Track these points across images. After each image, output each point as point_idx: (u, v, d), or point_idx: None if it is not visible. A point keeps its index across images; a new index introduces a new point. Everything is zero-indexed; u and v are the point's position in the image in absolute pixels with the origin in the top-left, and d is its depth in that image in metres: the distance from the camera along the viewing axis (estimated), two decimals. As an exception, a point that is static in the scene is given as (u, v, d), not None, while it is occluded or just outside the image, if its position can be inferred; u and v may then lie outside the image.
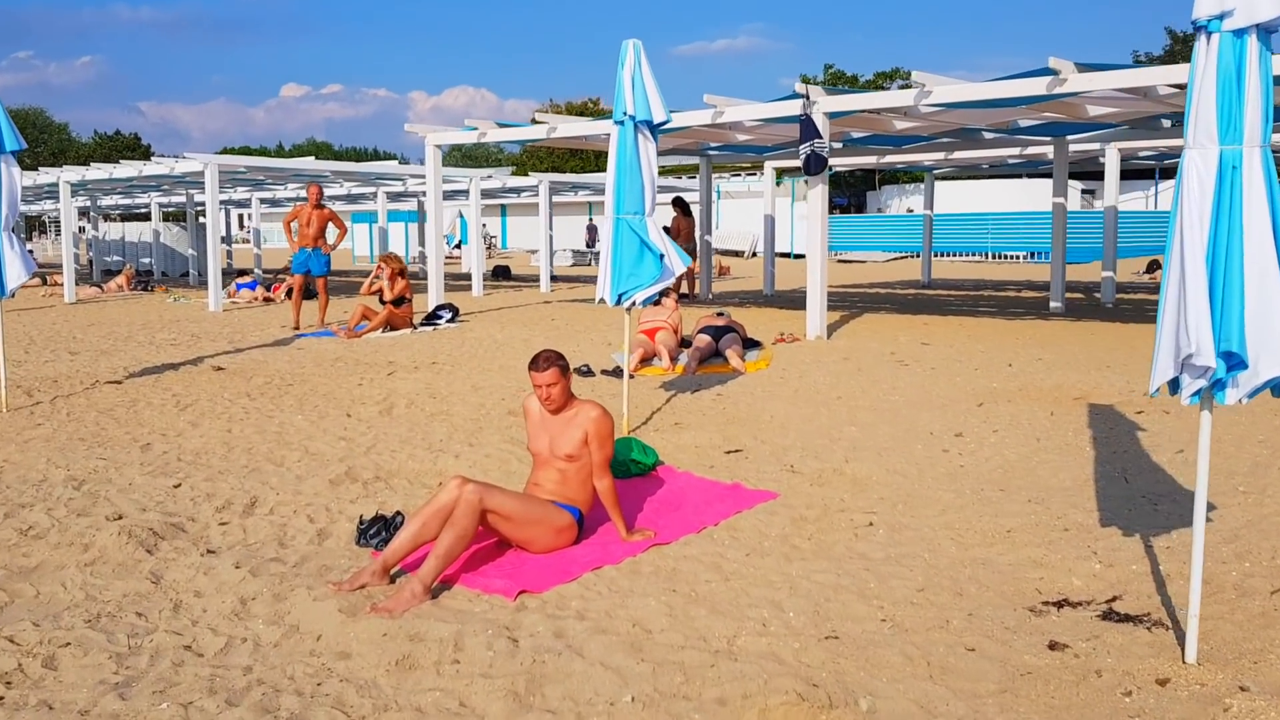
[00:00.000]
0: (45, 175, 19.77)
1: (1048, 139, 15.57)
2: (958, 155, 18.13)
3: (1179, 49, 47.96)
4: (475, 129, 13.05)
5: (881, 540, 4.59)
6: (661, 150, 17.27)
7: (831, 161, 20.48)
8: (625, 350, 6.71)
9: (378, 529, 4.86)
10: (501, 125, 13.20)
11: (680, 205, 17.09)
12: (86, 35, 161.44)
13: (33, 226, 60.80)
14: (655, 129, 6.63)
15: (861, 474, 5.62)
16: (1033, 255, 37.03)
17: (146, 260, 34.38)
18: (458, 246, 50.26)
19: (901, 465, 5.74)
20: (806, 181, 10.63)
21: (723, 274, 30.93)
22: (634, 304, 6.65)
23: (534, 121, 12.72)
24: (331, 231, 13.03)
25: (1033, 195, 42.48)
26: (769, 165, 19.54)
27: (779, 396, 7.81)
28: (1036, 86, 9.51)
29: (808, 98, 10.36)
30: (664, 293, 8.46)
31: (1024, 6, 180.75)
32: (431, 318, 12.93)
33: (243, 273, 20.16)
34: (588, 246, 46.38)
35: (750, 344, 9.72)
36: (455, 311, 12.94)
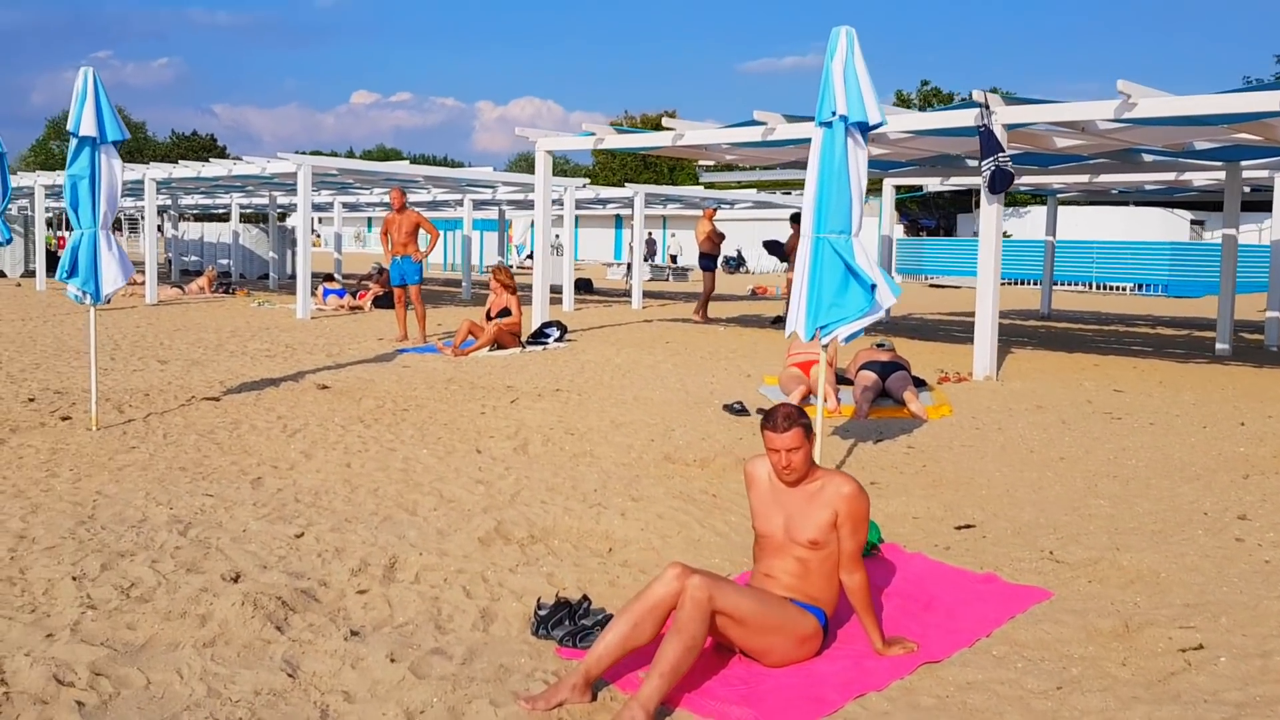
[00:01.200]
0: (131, 172, 19.37)
1: (1218, 164, 14.23)
2: (1106, 179, 16.83)
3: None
4: (591, 134, 12.16)
5: (1228, 672, 3.52)
6: (775, 163, 16.28)
7: (952, 180, 19.53)
8: (820, 391, 5.70)
9: (560, 618, 3.93)
10: (622, 131, 12.28)
11: (779, 248, 16.12)
12: (164, 37, 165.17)
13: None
14: (867, 132, 5.63)
15: (1144, 567, 4.55)
16: (1140, 288, 35.32)
17: (224, 261, 34.22)
18: (529, 256, 49.86)
19: (1191, 558, 4.65)
20: (986, 200, 9.54)
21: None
22: (834, 339, 5.65)
23: (659, 127, 11.78)
24: (423, 238, 12.23)
25: (1134, 224, 40.75)
26: (888, 183, 18.44)
27: (984, 453, 6.74)
28: (1267, 102, 8.34)
29: (986, 107, 9.29)
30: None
31: (1096, 31, 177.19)
32: (538, 336, 12.06)
33: (329, 278, 19.56)
34: (645, 260, 45.55)
35: (917, 383, 8.65)
36: (563, 330, 12.04)
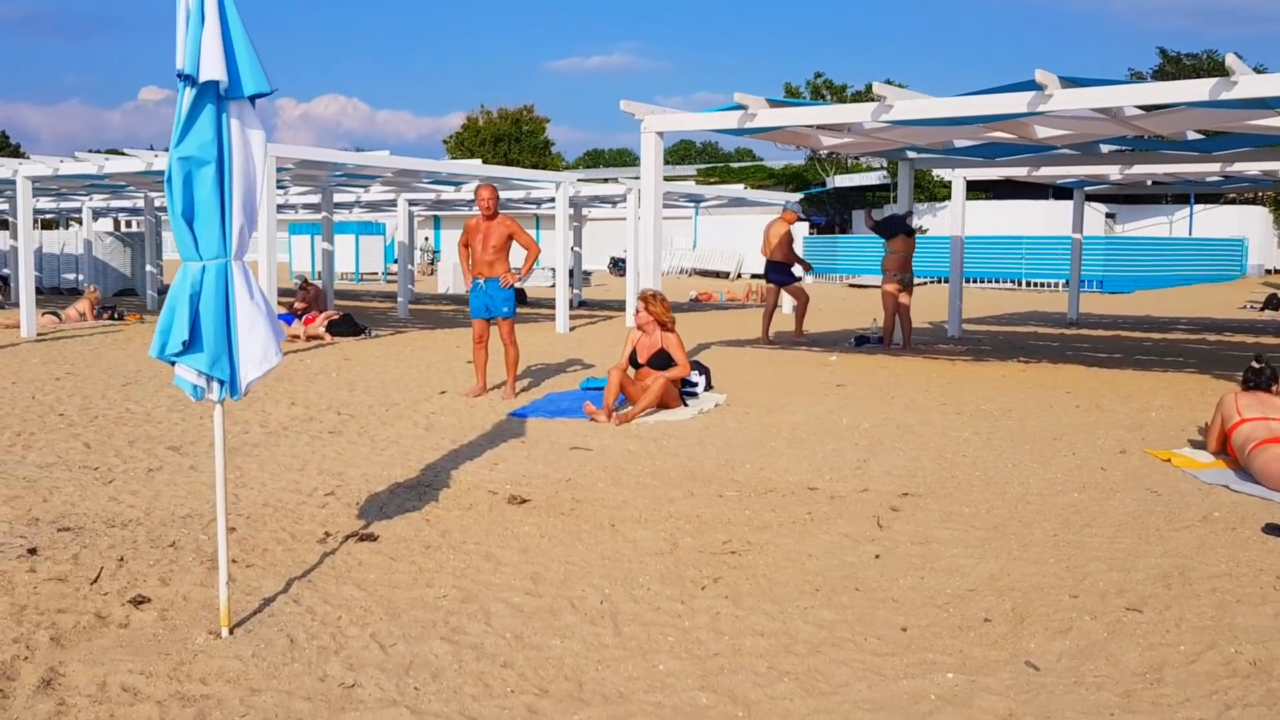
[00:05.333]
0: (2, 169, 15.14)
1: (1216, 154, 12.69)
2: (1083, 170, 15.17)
3: (1169, 69, 46.80)
4: (739, 107, 9.22)
5: None
6: (842, 150, 13.75)
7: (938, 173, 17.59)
8: None
9: None
10: (776, 103, 9.35)
11: (902, 226, 13.55)
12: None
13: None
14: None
15: None
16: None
17: (70, 277, 29.34)
18: (433, 261, 45.86)
19: None
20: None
21: (701, 300, 27.57)
22: None
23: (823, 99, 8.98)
24: (517, 254, 9.07)
25: (1056, 219, 40.33)
26: (959, 175, 16.15)
27: None
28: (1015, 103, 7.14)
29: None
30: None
31: (993, 23, 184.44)
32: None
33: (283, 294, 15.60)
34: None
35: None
36: (707, 375, 9.06)
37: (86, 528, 5.29)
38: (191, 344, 3.88)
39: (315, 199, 21.27)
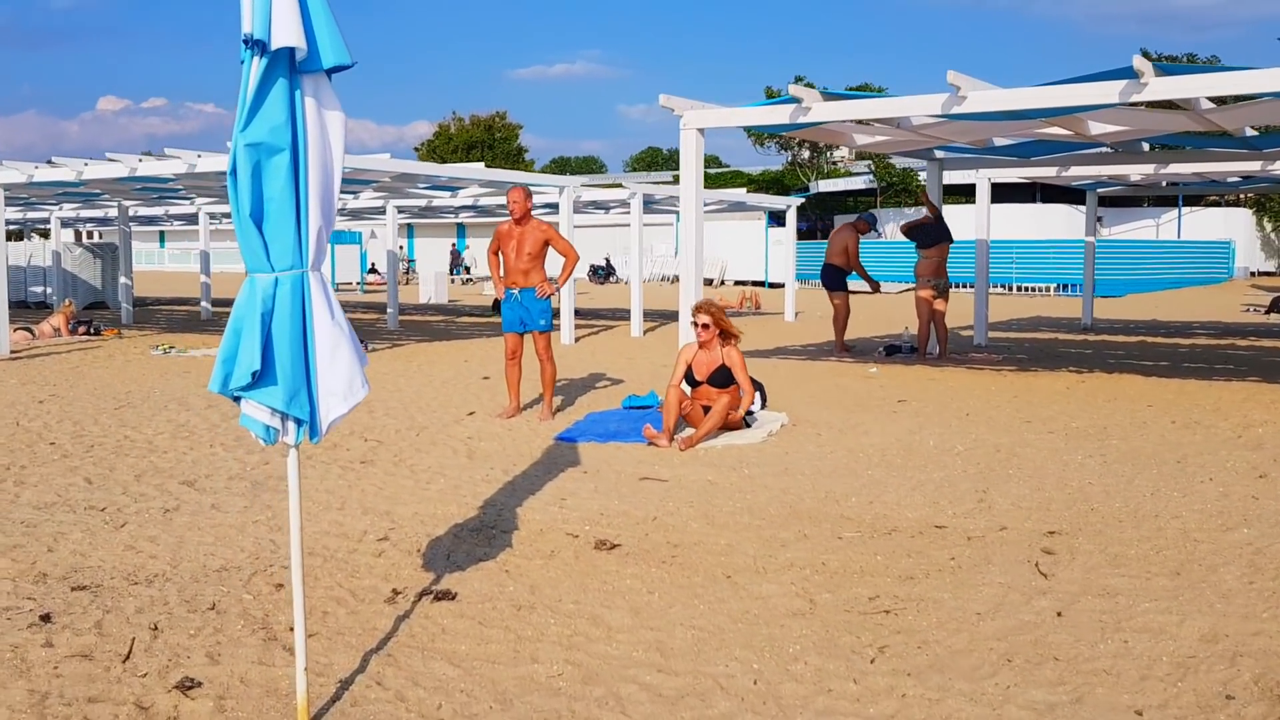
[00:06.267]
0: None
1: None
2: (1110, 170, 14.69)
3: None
4: (794, 100, 8.50)
5: None
6: (878, 149, 13.11)
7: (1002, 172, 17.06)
8: None
9: None
10: (831, 96, 8.64)
11: (943, 232, 12.90)
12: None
13: None
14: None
15: None
16: (1064, 288, 34.36)
17: (38, 290, 28.28)
18: (373, 270, 44.86)
19: None
20: None
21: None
22: None
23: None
24: (556, 263, 8.32)
25: (1043, 222, 40.02)
26: (984, 176, 15.52)
27: None
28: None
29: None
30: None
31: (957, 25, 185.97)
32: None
33: None
34: (453, 272, 41.79)
35: None
36: (763, 392, 8.33)
37: (105, 585, 4.49)
38: (263, 375, 3.12)
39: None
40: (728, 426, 7.35)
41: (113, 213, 24.36)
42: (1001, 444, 7.13)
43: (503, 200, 20.34)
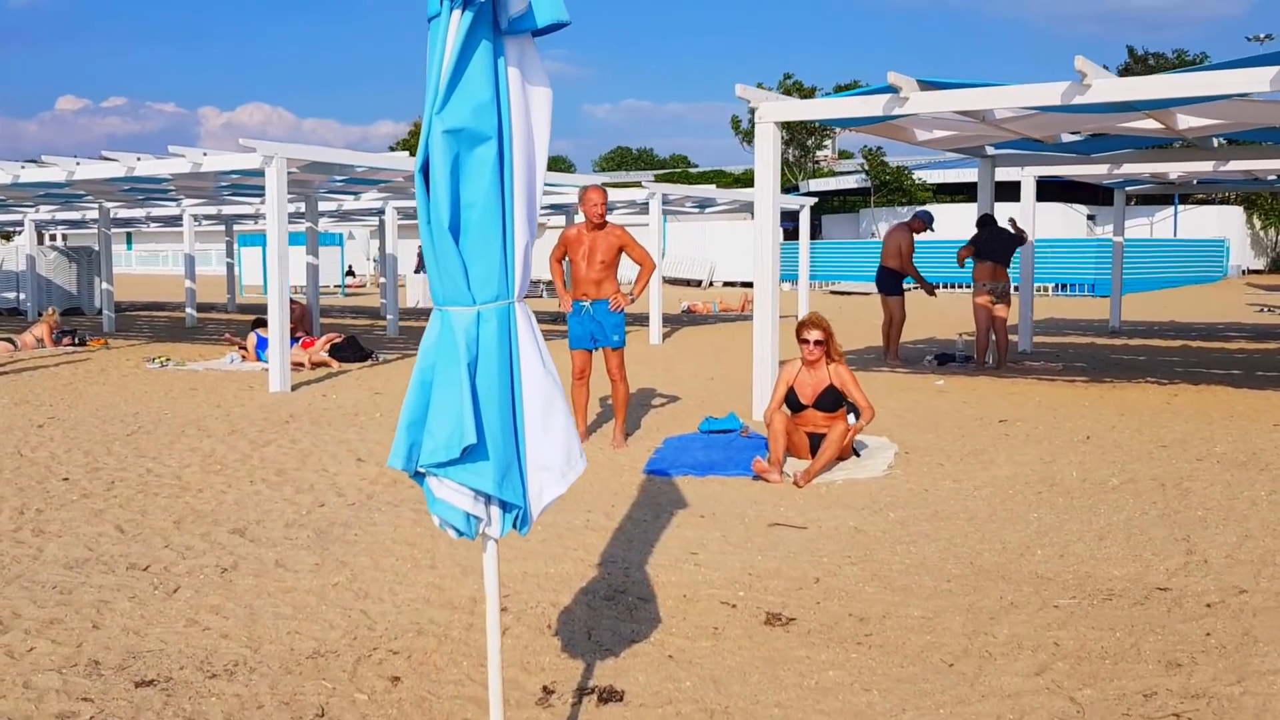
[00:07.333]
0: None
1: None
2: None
3: (1138, 70, 46.70)
4: (892, 89, 7.69)
5: None
6: (935, 144, 12.36)
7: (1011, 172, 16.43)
8: None
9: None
10: (928, 85, 7.82)
11: (1013, 237, 12.32)
12: None
13: None
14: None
15: None
16: (1064, 288, 33.92)
17: (10, 296, 27.17)
18: (350, 273, 43.79)
19: None
20: None
21: (693, 312, 26.29)
22: None
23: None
24: (630, 273, 7.52)
25: (1041, 221, 39.52)
26: (1029, 174, 14.81)
27: None
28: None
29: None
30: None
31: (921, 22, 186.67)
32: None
33: (259, 323, 13.72)
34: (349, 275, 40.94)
35: None
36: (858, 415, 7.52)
37: (176, 679, 3.64)
38: (474, 447, 2.28)
39: (290, 208, 19.43)
40: (839, 456, 6.55)
41: (90, 214, 23.25)
42: (1157, 475, 6.35)
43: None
